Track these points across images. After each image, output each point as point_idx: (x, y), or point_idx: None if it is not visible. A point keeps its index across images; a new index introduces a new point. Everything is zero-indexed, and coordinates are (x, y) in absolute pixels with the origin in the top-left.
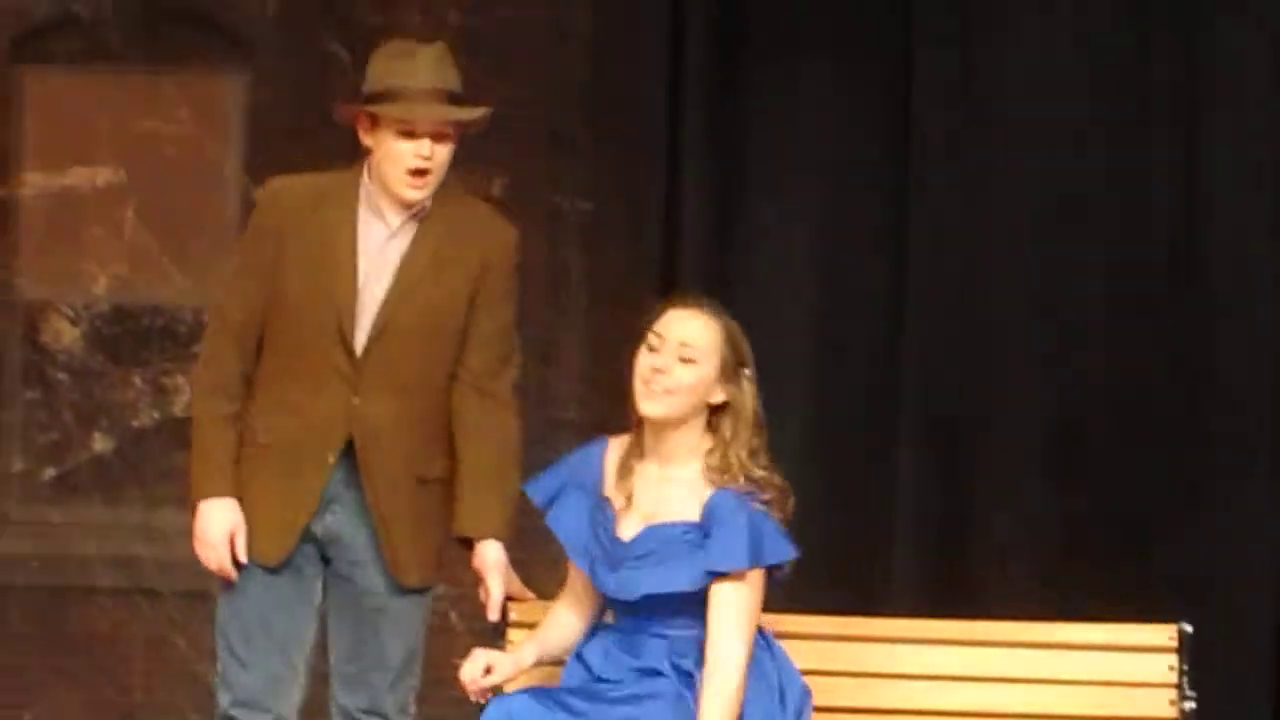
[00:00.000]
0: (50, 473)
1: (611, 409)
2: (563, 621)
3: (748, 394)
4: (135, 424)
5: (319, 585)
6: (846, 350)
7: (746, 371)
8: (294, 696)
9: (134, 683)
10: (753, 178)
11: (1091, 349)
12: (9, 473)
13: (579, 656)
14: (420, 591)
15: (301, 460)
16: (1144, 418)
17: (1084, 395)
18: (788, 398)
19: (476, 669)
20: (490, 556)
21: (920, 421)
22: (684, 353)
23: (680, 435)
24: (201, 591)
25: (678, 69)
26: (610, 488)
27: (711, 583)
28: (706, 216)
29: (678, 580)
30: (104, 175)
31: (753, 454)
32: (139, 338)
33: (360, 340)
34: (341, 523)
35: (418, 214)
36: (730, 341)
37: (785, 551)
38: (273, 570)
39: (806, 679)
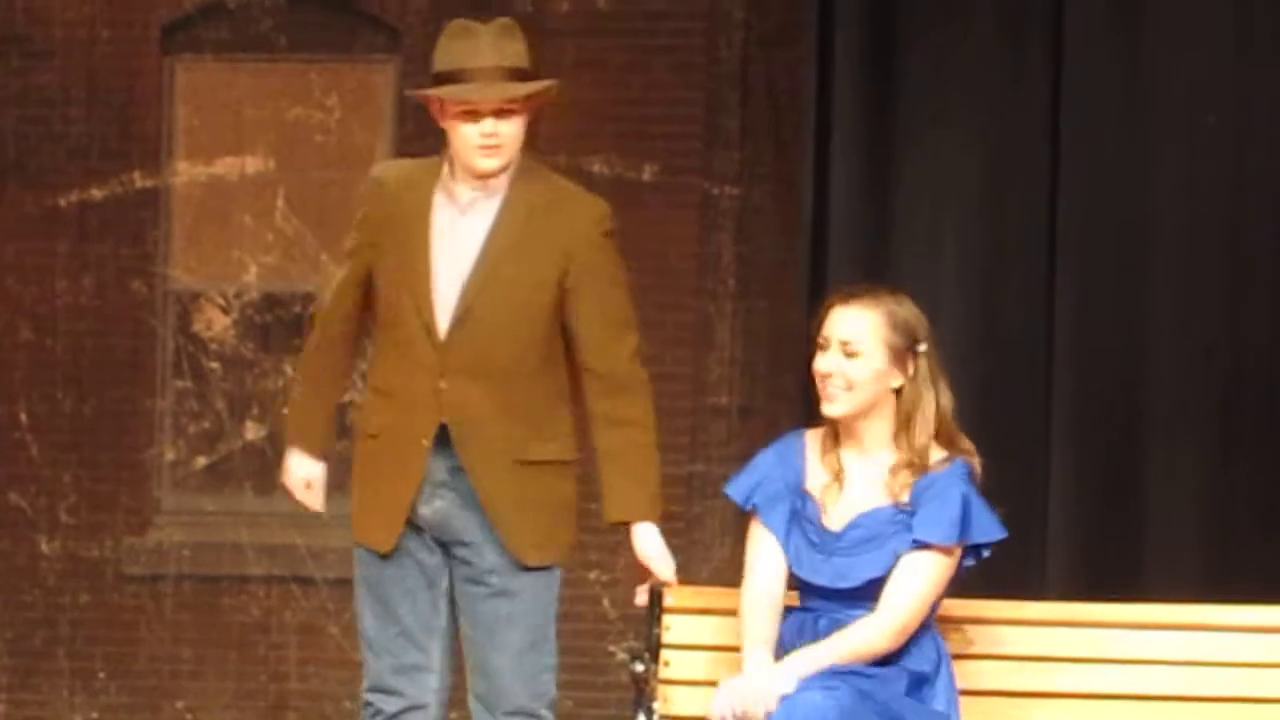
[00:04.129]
0: (202, 461)
1: (763, 395)
2: (769, 611)
3: (923, 372)
4: (287, 412)
5: (444, 573)
6: (997, 342)
7: (921, 348)
8: (431, 683)
9: (287, 670)
10: (901, 167)
11: (1252, 325)
12: (161, 462)
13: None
14: (541, 572)
15: (401, 447)
16: None
17: (1243, 373)
18: None
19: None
20: (639, 543)
21: (1073, 414)
22: (848, 349)
23: (871, 424)
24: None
25: (828, 56)
26: (811, 480)
27: (909, 551)
28: (855, 204)
29: (895, 560)
30: (253, 164)
31: (940, 432)
32: (290, 325)
33: (443, 325)
34: (451, 507)
35: (494, 192)
36: (893, 324)
37: (993, 531)
38: (390, 558)
39: (959, 663)
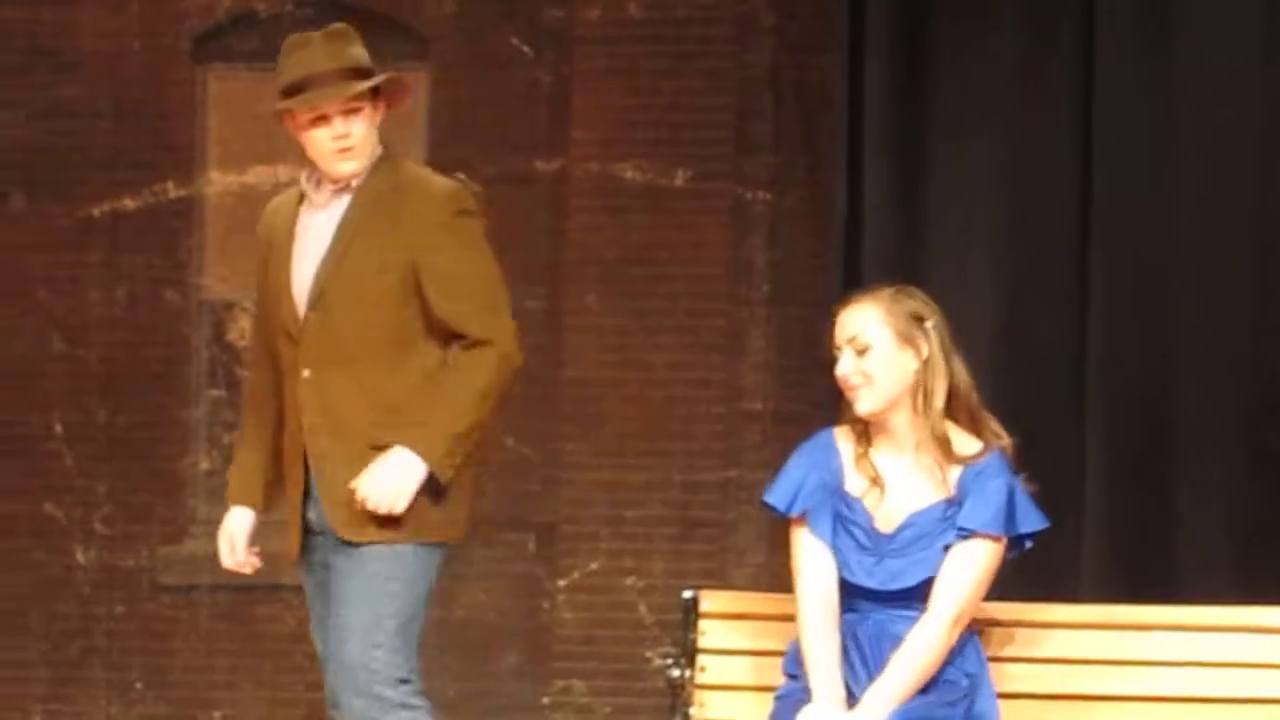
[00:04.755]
0: None
1: (797, 400)
2: (830, 623)
3: (936, 348)
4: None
5: None
6: (1031, 340)
7: (927, 324)
8: None
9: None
10: (933, 170)
11: None
12: (196, 471)
13: None
14: (378, 552)
15: (291, 450)
16: None
17: (1274, 372)
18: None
19: None
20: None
21: (1107, 412)
22: (856, 346)
23: (900, 416)
24: None
25: (859, 60)
26: (850, 483)
27: (955, 542)
28: (887, 208)
29: (941, 558)
30: (286, 173)
31: (962, 411)
32: None
33: (300, 314)
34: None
35: (347, 188)
36: (894, 310)
37: (1037, 521)
38: (303, 568)
39: (995, 666)
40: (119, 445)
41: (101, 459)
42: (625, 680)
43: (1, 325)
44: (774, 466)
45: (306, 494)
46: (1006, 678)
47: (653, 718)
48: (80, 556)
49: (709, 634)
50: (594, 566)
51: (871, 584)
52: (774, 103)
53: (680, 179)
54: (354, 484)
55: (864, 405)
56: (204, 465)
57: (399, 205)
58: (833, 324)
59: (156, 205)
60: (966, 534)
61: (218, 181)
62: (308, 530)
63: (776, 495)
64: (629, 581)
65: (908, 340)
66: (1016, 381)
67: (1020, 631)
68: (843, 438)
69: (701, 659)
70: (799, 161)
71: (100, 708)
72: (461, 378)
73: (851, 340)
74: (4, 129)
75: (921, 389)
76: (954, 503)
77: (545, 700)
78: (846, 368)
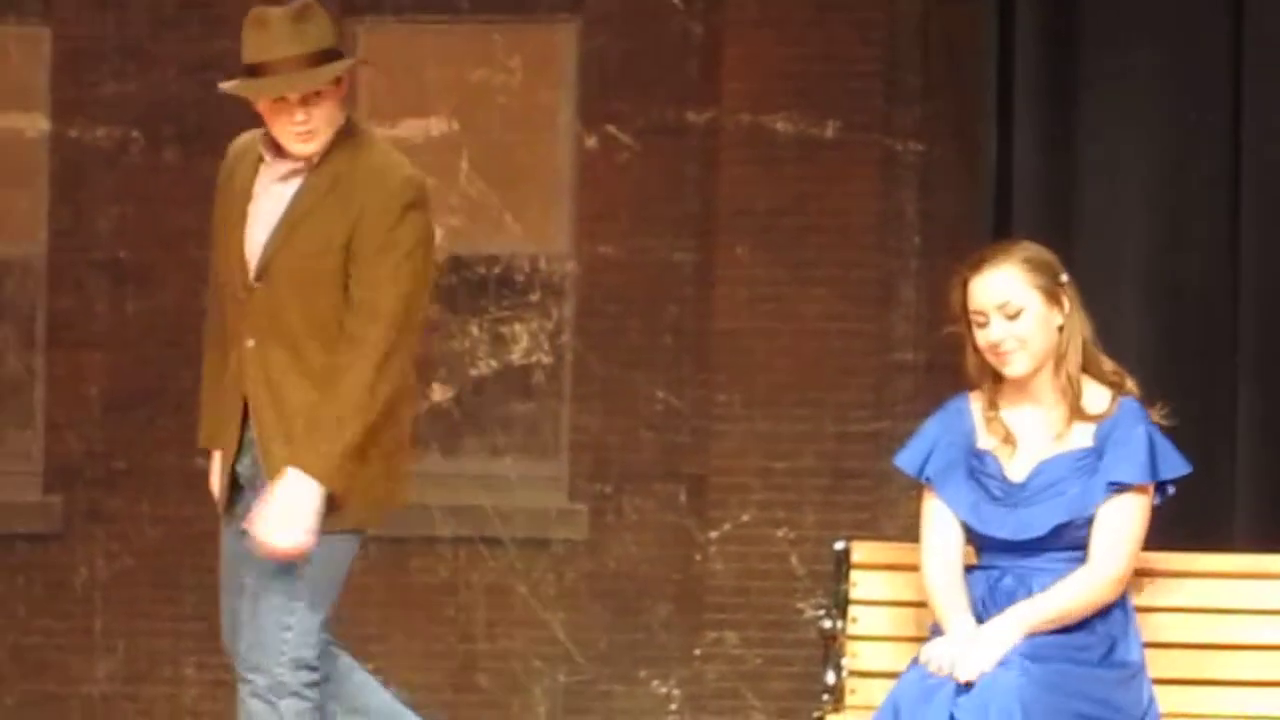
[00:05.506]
0: None
1: (947, 350)
2: (955, 579)
3: (1073, 301)
4: (473, 373)
5: None
6: (1182, 290)
7: (1063, 278)
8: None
9: (475, 631)
10: (1084, 119)
11: None
12: None
13: None
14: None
15: (227, 405)
16: None
17: None
18: (1123, 339)
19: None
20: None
21: (1259, 360)
22: (1007, 311)
23: (1041, 372)
24: (542, 539)
25: (1009, 8)
26: (983, 441)
27: (1105, 498)
28: (1038, 158)
29: (1082, 504)
30: (437, 126)
31: (1087, 359)
32: (475, 287)
33: (249, 283)
34: (256, 465)
35: (306, 166)
36: (1034, 268)
37: (1180, 466)
38: (228, 520)
39: (1143, 616)
40: None
41: None
42: (777, 631)
43: (153, 279)
44: (926, 417)
45: (240, 450)
46: (1154, 626)
47: (805, 668)
48: None
49: (860, 585)
50: (745, 518)
51: (1004, 534)
52: (924, 52)
53: (831, 130)
54: (250, 530)
55: (1018, 368)
56: None
57: (351, 191)
58: (962, 291)
59: None
60: (1117, 487)
61: None
62: (236, 485)
63: (906, 458)
64: (780, 533)
65: (1053, 298)
66: (1169, 331)
67: (1168, 580)
68: (975, 399)
69: (853, 610)
70: (949, 112)
71: None
72: (337, 392)
73: (1002, 306)
74: (155, 83)
75: (1061, 344)
76: (1092, 452)
77: (697, 651)
78: (999, 334)
